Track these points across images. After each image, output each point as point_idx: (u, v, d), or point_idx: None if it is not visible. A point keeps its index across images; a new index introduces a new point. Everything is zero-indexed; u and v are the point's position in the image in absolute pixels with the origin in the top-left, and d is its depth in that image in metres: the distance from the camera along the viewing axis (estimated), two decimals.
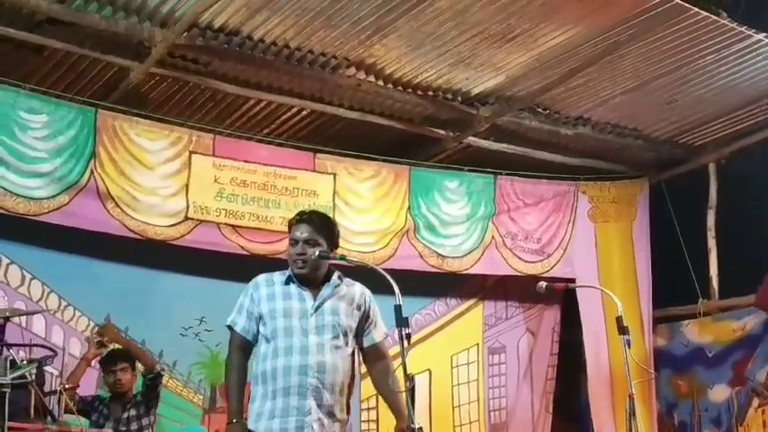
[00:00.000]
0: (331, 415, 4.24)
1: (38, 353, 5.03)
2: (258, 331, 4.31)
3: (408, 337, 4.22)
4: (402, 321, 4.22)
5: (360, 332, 4.45)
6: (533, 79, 7.15)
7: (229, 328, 4.37)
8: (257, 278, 4.43)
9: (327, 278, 4.40)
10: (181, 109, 7.26)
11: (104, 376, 6.01)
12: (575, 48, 6.68)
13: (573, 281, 8.01)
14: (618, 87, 7.30)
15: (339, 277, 4.44)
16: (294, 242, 4.38)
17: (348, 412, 4.42)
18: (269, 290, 4.35)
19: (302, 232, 4.40)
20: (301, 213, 4.56)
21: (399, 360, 4.19)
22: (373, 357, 4.54)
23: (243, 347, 4.33)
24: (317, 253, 4.48)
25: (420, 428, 4.14)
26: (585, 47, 6.67)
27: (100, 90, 6.89)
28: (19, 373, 3.04)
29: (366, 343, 4.49)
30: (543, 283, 5.90)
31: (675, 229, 8.48)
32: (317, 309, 4.30)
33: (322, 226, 4.46)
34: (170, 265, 7.12)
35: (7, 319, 4.90)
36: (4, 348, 4.71)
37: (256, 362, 4.29)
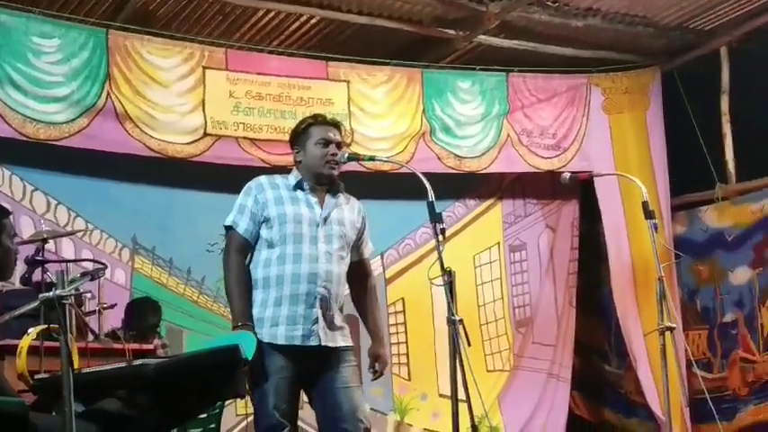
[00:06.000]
0: (334, 325, 4.23)
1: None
2: (259, 235, 4.25)
3: (443, 231, 4.25)
4: (436, 217, 4.24)
5: (354, 246, 4.42)
6: None
7: (229, 228, 4.23)
8: (259, 180, 4.32)
9: (333, 187, 4.41)
10: (190, 24, 7.22)
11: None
12: None
13: (575, 174, 8.03)
14: None
15: (342, 189, 4.44)
16: (326, 143, 4.33)
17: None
18: (275, 193, 4.25)
19: (335, 134, 4.38)
20: (326, 116, 4.54)
21: (436, 255, 4.25)
22: (361, 273, 4.49)
23: (243, 249, 4.22)
24: (346, 154, 4.50)
25: (461, 320, 4.19)
26: None
27: (108, 10, 6.85)
28: (76, 284, 3.07)
29: (356, 257, 4.44)
30: (567, 174, 5.91)
31: (690, 116, 8.45)
32: (326, 218, 4.27)
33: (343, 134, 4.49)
34: (190, 182, 7.18)
35: (45, 240, 4.96)
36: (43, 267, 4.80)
37: (255, 267, 4.22)
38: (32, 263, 4.67)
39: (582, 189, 8.55)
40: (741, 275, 8.13)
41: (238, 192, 4.37)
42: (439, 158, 7.77)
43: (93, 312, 5.42)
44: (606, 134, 8.48)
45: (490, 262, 8.52)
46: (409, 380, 7.92)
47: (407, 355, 7.83)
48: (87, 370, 3.49)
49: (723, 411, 7.71)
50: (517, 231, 8.69)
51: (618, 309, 8.29)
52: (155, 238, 7.14)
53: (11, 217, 3.66)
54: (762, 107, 7.89)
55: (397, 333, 7.97)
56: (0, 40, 6.19)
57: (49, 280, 4.83)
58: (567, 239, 8.77)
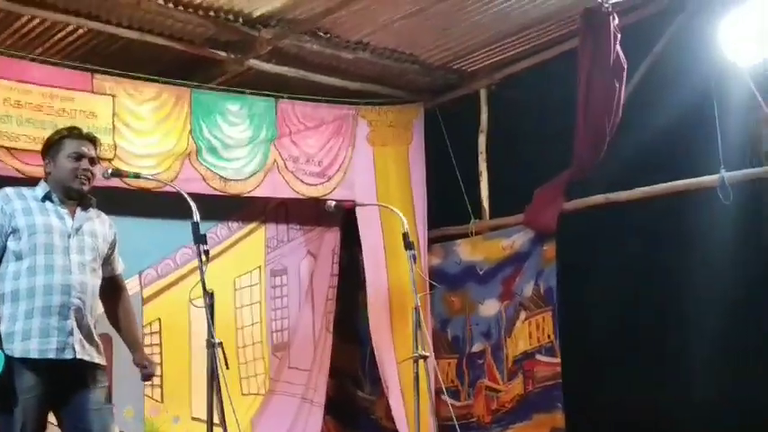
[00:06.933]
0: (89, 338, 4.19)
1: None
2: (5, 247, 4.13)
3: (207, 253, 4.27)
4: (200, 238, 4.26)
5: (106, 260, 4.41)
6: (316, 1, 7.15)
7: None
8: (5, 190, 4.26)
9: (84, 201, 4.34)
10: None
11: None
12: None
13: (340, 202, 8.17)
14: (398, 12, 7.41)
15: (94, 204, 4.41)
16: (78, 157, 4.29)
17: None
18: (23, 203, 4.18)
19: (89, 149, 4.35)
20: (81, 129, 4.49)
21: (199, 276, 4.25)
22: (114, 288, 4.51)
23: None
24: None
25: (220, 343, 4.21)
26: None
27: None
28: None
29: (109, 273, 4.45)
30: (332, 202, 6.04)
31: (449, 153, 8.82)
32: (77, 229, 4.22)
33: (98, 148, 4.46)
34: None
35: None
36: None
37: (2, 280, 4.12)
38: None
39: (344, 217, 8.70)
40: (490, 307, 8.50)
41: None
42: (204, 179, 7.68)
43: None
44: (370, 165, 8.68)
45: (251, 285, 8.50)
46: (162, 402, 7.76)
47: (161, 376, 7.67)
48: None
49: None
50: (279, 256, 8.73)
51: (373, 336, 8.47)
52: None
53: None
54: (515, 148, 8.33)
55: (152, 354, 7.76)
56: None
57: None
58: (327, 266, 8.88)
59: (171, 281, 7.92)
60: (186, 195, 4.22)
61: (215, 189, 7.75)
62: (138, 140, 7.38)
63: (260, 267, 8.60)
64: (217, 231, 8.34)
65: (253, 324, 8.46)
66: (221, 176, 7.80)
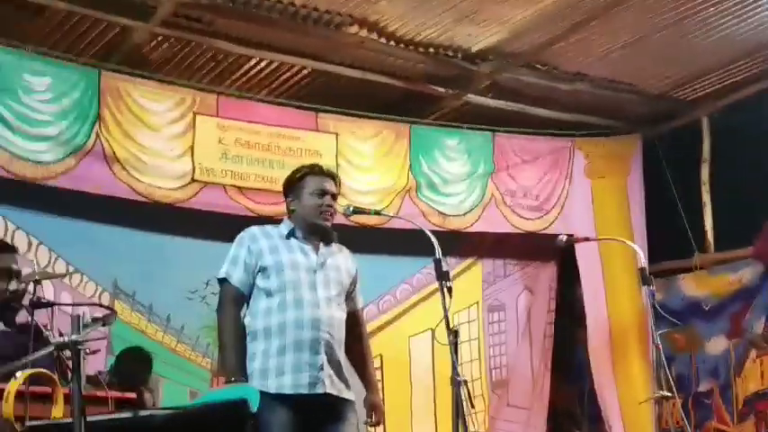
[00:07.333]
0: (339, 372, 4.19)
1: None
2: (254, 285, 4.21)
3: (450, 290, 4.22)
4: (443, 275, 4.22)
5: (348, 294, 4.41)
6: (535, 34, 7.10)
7: (222, 281, 4.24)
8: (251, 230, 4.32)
9: (326, 236, 4.38)
10: (183, 69, 7.17)
11: None
12: (578, 0, 6.63)
13: (571, 236, 8.02)
14: (617, 42, 7.28)
15: (336, 238, 4.43)
16: (321, 193, 4.34)
17: None
18: (269, 242, 4.24)
19: (331, 186, 4.40)
20: (322, 166, 4.54)
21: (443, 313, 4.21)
22: (354, 323, 4.45)
23: (238, 301, 4.20)
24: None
25: (465, 381, 4.16)
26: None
27: (101, 51, 6.80)
28: (90, 329, 2.96)
29: (351, 308, 4.42)
30: (564, 237, 5.91)
31: (670, 184, 8.53)
32: (322, 264, 4.25)
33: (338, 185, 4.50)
34: (175, 228, 7.06)
35: (38, 282, 4.79)
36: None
37: (254, 317, 4.17)
38: (37, 305, 4.50)
39: (560, 252, 8.54)
40: (717, 345, 8.14)
41: (222, 239, 4.34)
42: (424, 215, 7.68)
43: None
44: (587, 198, 8.50)
45: (468, 321, 8.45)
46: None
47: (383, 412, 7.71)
48: (96, 418, 3.37)
49: None
50: (496, 291, 8.65)
51: (594, 374, 8.24)
52: (135, 284, 6.98)
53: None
54: (741, 178, 7.99)
55: None
56: None
57: (34, 322, 4.68)
58: (544, 302, 8.74)
59: (392, 316, 7.96)
60: (428, 232, 4.21)
61: (435, 225, 7.71)
62: (360, 177, 7.50)
63: (477, 303, 8.54)
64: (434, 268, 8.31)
65: (471, 360, 8.39)
66: (440, 212, 7.81)
